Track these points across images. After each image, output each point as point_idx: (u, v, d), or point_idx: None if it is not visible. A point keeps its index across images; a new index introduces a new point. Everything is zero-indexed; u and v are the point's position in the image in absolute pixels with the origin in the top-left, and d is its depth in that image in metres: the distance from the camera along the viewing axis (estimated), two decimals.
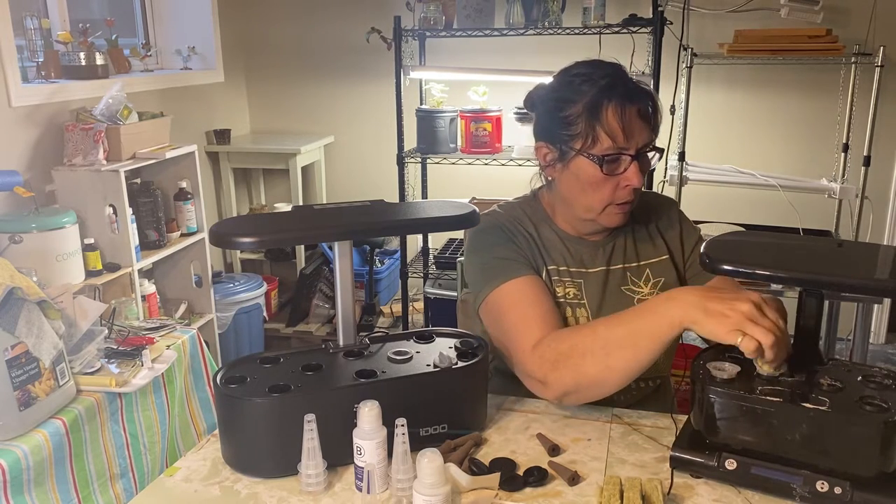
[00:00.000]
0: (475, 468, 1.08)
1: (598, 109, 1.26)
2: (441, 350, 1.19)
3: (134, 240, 2.64)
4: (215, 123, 3.75)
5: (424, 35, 3.37)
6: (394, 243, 3.97)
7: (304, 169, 3.81)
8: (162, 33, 3.62)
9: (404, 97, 3.21)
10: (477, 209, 1.23)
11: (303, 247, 3.73)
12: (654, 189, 3.18)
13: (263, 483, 1.08)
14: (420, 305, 3.53)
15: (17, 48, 2.56)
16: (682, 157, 3.08)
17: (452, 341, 1.24)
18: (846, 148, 3.22)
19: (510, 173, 3.12)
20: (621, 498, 0.98)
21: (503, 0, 3.07)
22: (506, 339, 1.28)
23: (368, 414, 1.01)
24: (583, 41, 3.14)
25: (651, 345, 1.10)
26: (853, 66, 3.16)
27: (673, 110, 3.11)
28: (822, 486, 0.96)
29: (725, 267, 1.07)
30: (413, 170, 3.49)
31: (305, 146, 3.67)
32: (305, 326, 3.61)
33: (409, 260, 3.44)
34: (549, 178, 1.39)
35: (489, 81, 3.31)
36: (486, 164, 3.19)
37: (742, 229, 2.54)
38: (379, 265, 3.81)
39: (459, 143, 3.23)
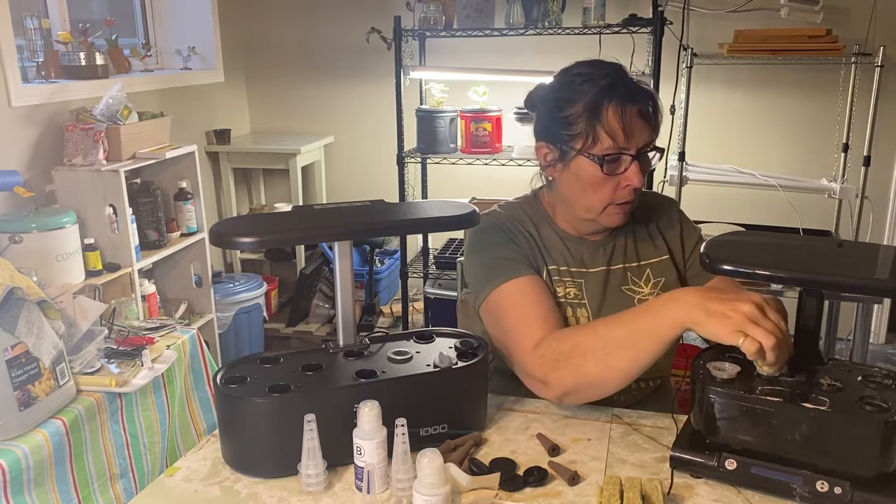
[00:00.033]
0: (475, 468, 1.08)
1: (598, 109, 1.26)
2: (441, 350, 1.19)
3: (134, 240, 2.64)
4: (215, 123, 3.75)
5: (424, 35, 3.37)
6: (394, 243, 3.97)
7: (304, 169, 3.81)
8: (162, 33, 3.62)
9: (404, 97, 3.21)
10: (477, 209, 1.24)
11: (303, 247, 3.73)
12: (655, 189, 3.18)
13: (263, 483, 1.08)
14: (420, 305, 3.53)
15: (17, 48, 2.56)
16: (682, 157, 3.08)
17: (452, 341, 1.24)
18: (846, 148, 3.22)
19: (510, 173, 3.12)
20: (621, 498, 0.98)
21: (503, 0, 3.07)
22: (506, 338, 1.28)
23: (368, 414, 1.01)
24: (583, 41, 3.14)
25: (652, 345, 1.10)
26: (853, 66, 3.16)
27: (673, 110, 3.11)
28: (822, 486, 0.96)
29: (725, 267, 1.07)
30: (413, 170, 3.49)
31: (305, 146, 3.67)
32: (305, 326, 3.61)
33: (409, 260, 3.44)
34: (550, 178, 1.39)
35: (489, 81, 3.31)
36: (486, 164, 3.19)
37: (742, 229, 2.54)
38: (379, 265, 3.81)
39: (459, 143, 3.23)
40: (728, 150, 3.50)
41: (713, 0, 3.33)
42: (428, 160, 3.48)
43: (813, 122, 3.44)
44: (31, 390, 1.69)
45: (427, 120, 3.20)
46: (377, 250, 3.80)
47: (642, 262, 1.41)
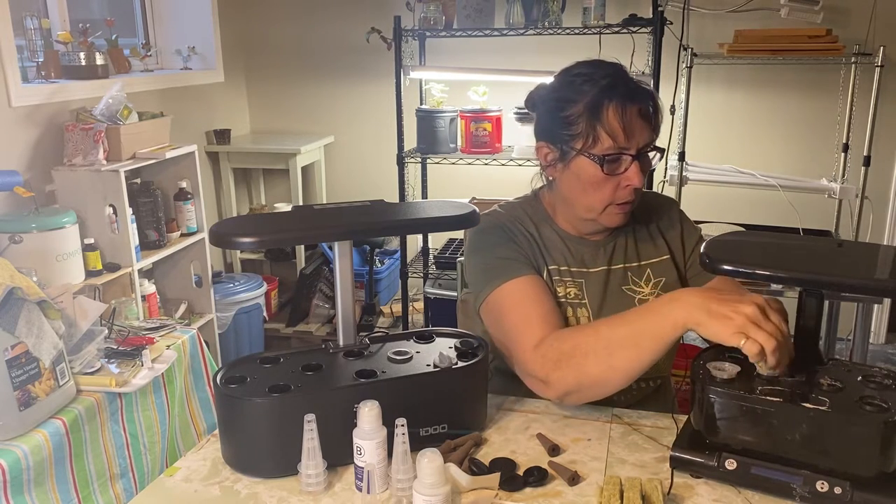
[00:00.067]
0: (475, 468, 1.08)
1: (598, 109, 1.26)
2: (441, 350, 1.19)
3: (134, 240, 2.64)
4: (215, 123, 3.75)
5: (424, 35, 3.37)
6: (394, 243, 3.97)
7: (304, 169, 3.81)
8: (162, 33, 3.62)
9: (404, 97, 3.21)
10: (477, 209, 1.24)
11: (303, 247, 3.73)
12: (655, 189, 3.18)
13: (263, 483, 1.08)
14: (420, 305, 3.53)
15: (17, 48, 2.56)
16: (682, 157, 3.08)
17: (452, 341, 1.24)
18: (846, 148, 3.22)
19: (510, 173, 3.12)
20: (621, 498, 0.98)
21: (503, 0, 3.07)
22: (507, 338, 1.28)
23: (368, 414, 1.01)
24: (583, 41, 3.13)
25: (654, 345, 1.10)
26: (853, 66, 3.16)
27: (673, 110, 3.11)
28: (822, 486, 0.96)
29: (725, 267, 1.07)
30: (413, 170, 3.49)
31: (305, 146, 3.67)
32: (305, 326, 3.61)
33: (409, 260, 3.44)
34: (550, 178, 1.39)
35: (489, 81, 3.31)
36: (486, 164, 3.19)
37: (742, 229, 2.54)
38: (379, 265, 3.81)
39: (459, 143, 3.23)
40: (728, 150, 3.50)
41: (713, 0, 3.33)
42: (428, 160, 3.48)
43: (813, 122, 3.44)
44: (31, 390, 1.69)
45: (427, 120, 3.20)
46: (377, 250, 3.80)
47: (643, 262, 1.41)
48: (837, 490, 0.96)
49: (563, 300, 1.36)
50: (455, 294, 2.73)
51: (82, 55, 2.85)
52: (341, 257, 1.19)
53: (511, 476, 1.06)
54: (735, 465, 1.01)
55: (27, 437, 1.67)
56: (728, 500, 1.02)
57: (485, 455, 1.14)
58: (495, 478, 1.05)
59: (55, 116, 2.67)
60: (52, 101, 2.66)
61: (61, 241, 2.38)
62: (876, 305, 3.18)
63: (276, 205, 3.98)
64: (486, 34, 3.12)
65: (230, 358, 3.05)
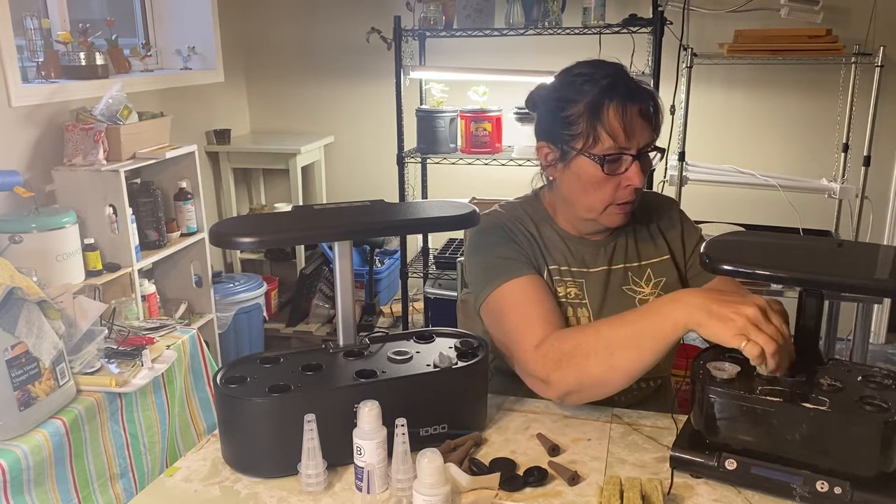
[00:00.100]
0: (475, 468, 1.08)
1: (599, 109, 1.26)
2: (441, 350, 1.19)
3: (134, 240, 2.64)
4: (215, 123, 3.75)
5: (424, 35, 3.37)
6: (394, 243, 3.97)
7: (304, 169, 3.81)
8: (162, 33, 3.62)
9: (404, 97, 3.21)
10: (477, 209, 1.23)
11: (303, 247, 3.73)
12: (655, 189, 3.18)
13: (263, 483, 1.08)
14: (420, 305, 3.53)
15: (17, 48, 2.56)
16: (682, 157, 3.08)
17: (452, 341, 1.24)
18: (846, 148, 3.22)
19: (510, 173, 3.12)
20: (621, 498, 0.98)
21: (503, 0, 3.07)
22: (507, 338, 1.28)
23: (368, 414, 1.01)
24: (583, 41, 3.13)
25: (655, 346, 1.10)
26: (853, 66, 3.16)
27: (673, 110, 3.11)
28: (822, 486, 0.96)
29: (725, 267, 1.07)
30: (413, 170, 3.49)
31: (305, 146, 3.67)
32: (305, 326, 3.61)
33: (409, 260, 3.44)
34: (551, 178, 1.39)
35: (489, 81, 3.31)
36: (486, 164, 3.19)
37: (742, 229, 2.54)
38: (379, 265, 3.81)
39: (459, 143, 3.23)
40: (728, 150, 3.50)
41: (713, 0, 3.33)
42: (428, 160, 3.48)
43: (813, 122, 3.44)
44: (31, 390, 1.69)
45: (427, 120, 3.20)
46: (377, 250, 3.80)
47: (643, 262, 1.41)
48: (837, 490, 0.96)
49: (563, 300, 1.36)
50: (455, 294, 2.73)
51: (82, 55, 2.85)
52: (341, 257, 1.19)
53: (511, 476, 1.06)
54: (735, 465, 1.01)
55: (27, 437, 1.67)
56: (728, 500, 1.02)
57: (485, 455, 1.14)
58: (495, 478, 1.05)
59: (55, 116, 2.67)
60: (52, 101, 2.66)
61: (61, 241, 2.38)
62: (876, 305, 3.18)
63: (276, 205, 3.98)
64: (486, 34, 3.12)
65: (230, 358, 3.05)
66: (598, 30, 2.98)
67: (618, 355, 1.13)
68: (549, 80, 1.37)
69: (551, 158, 1.35)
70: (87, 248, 2.49)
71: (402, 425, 0.97)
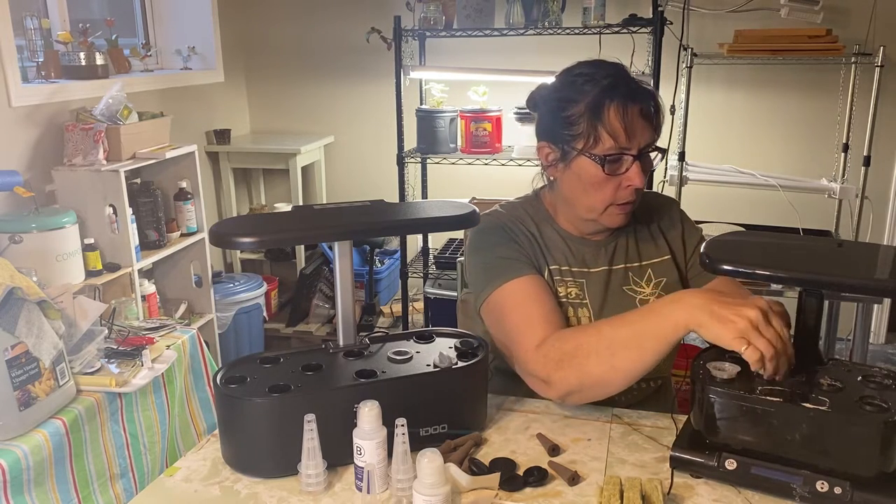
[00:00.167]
0: (475, 468, 1.08)
1: (600, 109, 1.26)
2: (441, 350, 1.19)
3: (134, 240, 2.64)
4: (215, 123, 3.75)
5: (424, 35, 3.37)
6: (394, 243, 3.97)
7: (304, 169, 3.81)
8: (162, 33, 3.62)
9: (404, 97, 3.21)
10: (477, 209, 1.23)
11: (303, 247, 3.73)
12: (655, 189, 3.18)
13: (263, 483, 1.08)
14: (420, 305, 3.53)
15: (17, 48, 2.56)
16: (682, 157, 3.08)
17: (452, 341, 1.24)
18: (846, 148, 3.22)
19: (510, 173, 3.13)
20: (621, 498, 0.98)
21: (503, 0, 3.07)
22: (508, 338, 1.28)
23: (368, 414, 1.01)
24: (583, 41, 3.13)
25: (656, 346, 1.10)
26: (853, 66, 3.16)
27: (673, 110, 3.11)
28: (822, 486, 0.96)
29: (725, 267, 1.08)
30: (413, 170, 3.49)
31: (305, 146, 3.67)
32: (305, 326, 3.61)
33: (409, 260, 3.44)
34: (551, 178, 1.39)
35: (489, 81, 3.31)
36: (486, 164, 3.19)
37: (742, 229, 2.54)
38: (379, 265, 3.81)
39: (459, 143, 3.23)
40: (728, 150, 3.50)
41: (713, 0, 3.33)
42: (428, 160, 3.48)
43: (813, 122, 3.44)
44: (31, 390, 1.69)
45: (427, 120, 3.20)
46: (377, 250, 3.80)
47: (644, 262, 1.41)
48: (837, 490, 0.96)
49: (564, 300, 1.36)
50: (455, 294, 2.73)
51: (82, 55, 2.85)
52: (341, 257, 1.19)
53: (511, 476, 1.06)
54: (735, 465, 1.01)
55: (27, 437, 1.67)
56: (728, 500, 1.02)
57: (485, 455, 1.14)
58: (495, 478, 1.05)
59: (55, 116, 2.67)
60: (52, 101, 2.66)
61: (61, 241, 2.38)
62: (876, 305, 3.18)
63: (276, 205, 3.98)
64: (486, 34, 3.12)
65: (230, 358, 3.05)
66: (598, 30, 2.98)
67: (619, 355, 1.13)
68: (550, 80, 1.37)
69: (552, 158, 1.35)
70: (87, 248, 2.50)
71: (402, 425, 0.97)
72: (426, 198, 3.66)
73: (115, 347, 2.07)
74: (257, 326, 3.48)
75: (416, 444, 1.00)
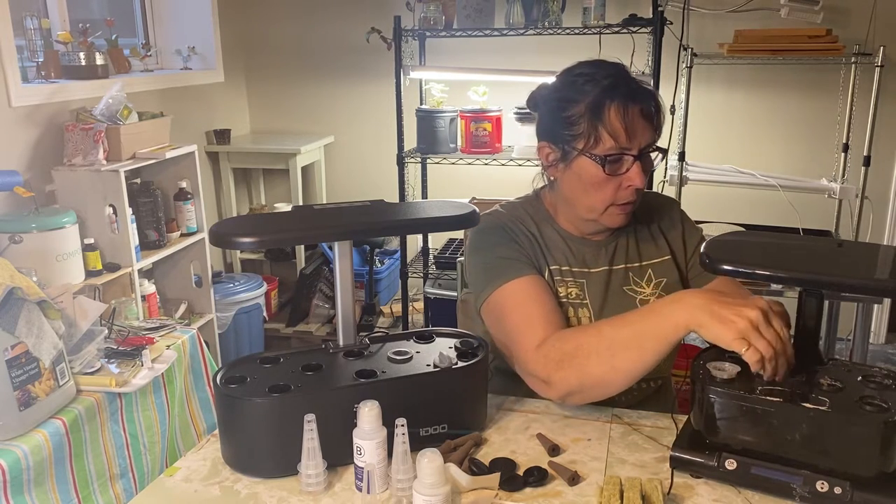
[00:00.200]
0: (475, 468, 1.08)
1: (600, 109, 1.26)
2: (441, 350, 1.19)
3: (134, 240, 2.64)
4: (215, 123, 3.75)
5: (424, 35, 3.37)
6: (394, 243, 3.97)
7: (304, 169, 3.81)
8: (162, 33, 3.62)
9: (404, 97, 3.21)
10: (477, 209, 1.23)
11: (303, 247, 3.73)
12: (655, 189, 3.18)
13: (263, 483, 1.08)
14: (420, 305, 3.53)
15: (17, 48, 2.56)
16: (682, 157, 3.08)
17: (452, 341, 1.24)
18: (846, 148, 3.22)
19: (510, 173, 3.13)
20: (621, 498, 0.98)
21: (503, 0, 3.07)
22: (508, 339, 1.28)
23: (368, 414, 1.01)
24: (583, 41, 3.13)
25: (656, 346, 1.10)
26: (853, 66, 3.16)
27: (673, 110, 3.11)
28: (822, 486, 0.96)
29: (725, 267, 1.07)
30: (413, 170, 3.49)
31: (305, 146, 3.67)
32: (305, 326, 3.61)
33: (409, 260, 3.44)
34: (552, 178, 1.39)
35: (489, 81, 3.31)
36: (486, 164, 3.19)
37: (742, 229, 2.54)
38: (379, 265, 3.81)
39: (459, 143, 3.23)
40: (728, 150, 3.50)
41: (713, 0, 3.33)
42: (428, 160, 3.48)
43: (813, 122, 3.44)
44: (31, 390, 1.69)
45: (427, 120, 3.20)
46: (377, 250, 3.80)
47: (644, 263, 1.41)
48: (837, 490, 0.96)
49: (564, 300, 1.35)
50: (455, 294, 2.73)
51: (82, 55, 2.85)
52: (341, 257, 1.19)
53: (511, 476, 1.06)
54: (735, 465, 1.01)
55: (27, 437, 1.67)
56: (728, 500, 1.02)
57: (485, 455, 1.14)
58: (495, 478, 1.05)
59: (55, 116, 2.67)
60: (52, 101, 2.66)
61: (61, 241, 2.38)
62: (876, 305, 3.18)
63: (276, 205, 3.98)
64: (486, 34, 3.12)
65: (230, 358, 3.05)
66: (598, 30, 2.98)
67: (619, 356, 1.13)
68: (550, 80, 1.37)
69: (552, 158, 1.34)
70: (87, 248, 2.49)
71: (402, 425, 0.97)
72: (426, 198, 3.66)
73: (115, 347, 2.07)
74: (257, 326, 3.48)
75: (416, 444, 1.00)
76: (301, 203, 3.73)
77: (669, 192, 2.92)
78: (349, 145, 4.02)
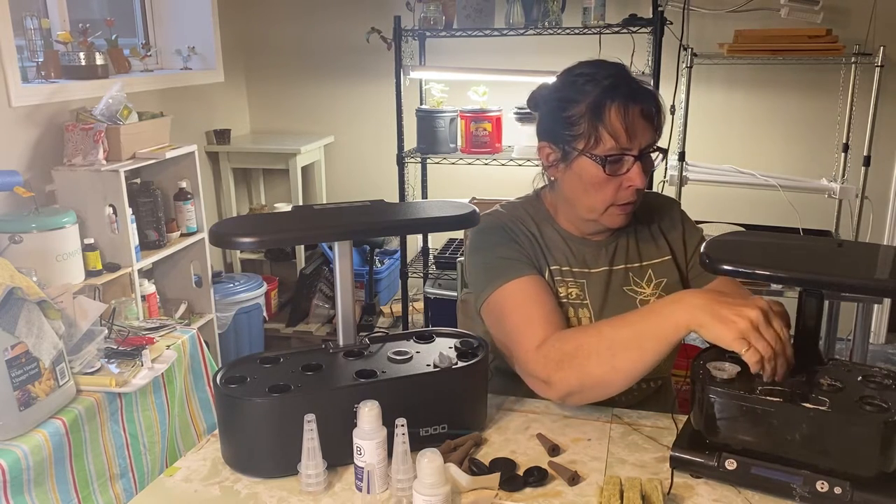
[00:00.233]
0: (475, 468, 1.08)
1: (601, 109, 1.26)
2: (441, 350, 1.19)
3: (134, 240, 2.64)
4: (215, 123, 3.75)
5: (424, 35, 3.37)
6: (394, 243, 3.97)
7: (304, 169, 3.81)
8: (162, 33, 3.62)
9: (404, 97, 3.21)
10: (477, 209, 1.23)
11: (303, 247, 3.73)
12: (655, 189, 3.17)
13: (263, 483, 1.08)
14: (420, 305, 3.53)
15: (17, 48, 2.56)
16: (682, 157, 3.08)
17: (452, 341, 1.24)
18: (846, 148, 3.22)
19: (510, 173, 3.13)
20: (621, 498, 0.98)
21: (503, 0, 3.07)
22: (508, 339, 1.28)
23: (368, 414, 1.01)
24: (583, 41, 3.14)
25: (656, 346, 1.10)
26: (853, 66, 3.16)
27: (673, 110, 3.11)
28: (822, 486, 0.96)
29: (725, 267, 1.07)
30: (413, 170, 3.49)
31: (305, 146, 3.67)
32: (305, 326, 3.61)
33: (409, 260, 3.44)
34: (552, 178, 1.39)
35: (489, 81, 3.31)
36: (486, 164, 3.19)
37: (742, 229, 2.54)
38: (379, 265, 3.81)
39: (459, 143, 3.23)
40: (728, 150, 3.50)
41: (713, 0, 3.33)
42: (428, 160, 3.48)
43: (813, 122, 3.44)
44: (31, 390, 1.69)
45: (427, 120, 3.20)
46: (377, 250, 3.80)
47: (644, 263, 1.41)
48: (837, 490, 0.96)
49: (564, 300, 1.35)
50: (455, 294, 2.73)
51: (82, 55, 2.85)
52: (341, 257, 1.19)
53: (511, 476, 1.06)
54: (735, 465, 1.01)
55: (27, 437, 1.67)
56: (728, 500, 1.02)
57: (485, 455, 1.14)
58: (495, 478, 1.05)
59: (55, 116, 2.67)
60: (52, 101, 2.66)
61: (61, 241, 2.38)
62: (876, 305, 3.18)
63: (276, 205, 3.98)
64: (486, 34, 3.12)
65: (230, 358, 3.05)
66: (598, 30, 2.98)
67: (619, 356, 1.13)
68: (550, 80, 1.37)
69: (553, 159, 1.34)
70: (87, 248, 2.49)
71: (402, 425, 0.97)
72: (426, 198, 3.66)
73: (115, 347, 2.07)
74: (257, 326, 3.48)
75: (416, 444, 1.00)
76: (301, 203, 3.73)
77: (669, 192, 2.92)
78: (349, 145, 4.02)
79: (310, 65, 3.96)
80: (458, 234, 3.31)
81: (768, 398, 0.99)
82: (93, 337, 2.02)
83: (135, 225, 2.67)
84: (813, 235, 2.73)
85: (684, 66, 3.04)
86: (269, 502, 1.04)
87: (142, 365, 2.02)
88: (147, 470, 2.03)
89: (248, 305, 3.37)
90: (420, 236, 3.66)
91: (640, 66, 3.00)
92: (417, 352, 1.19)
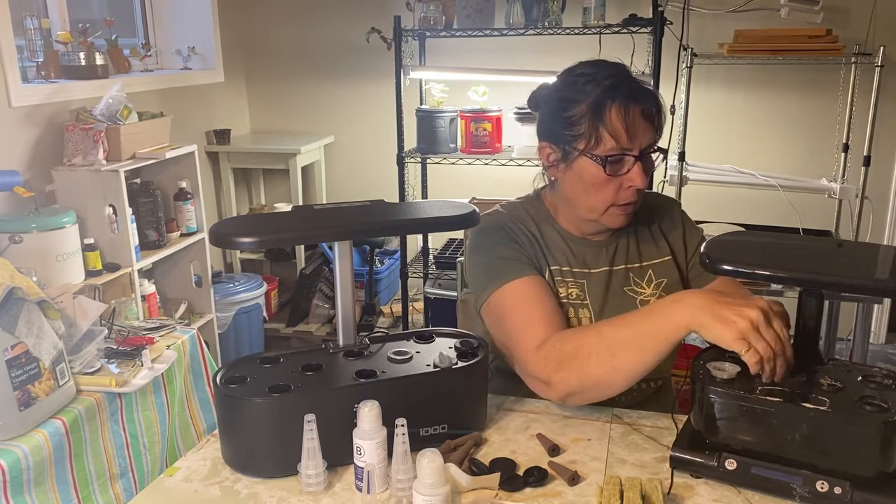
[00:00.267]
0: (475, 468, 1.08)
1: (601, 110, 1.25)
2: (441, 350, 1.19)
3: (134, 240, 2.64)
4: (215, 123, 3.75)
5: (424, 35, 3.37)
6: (394, 243, 3.97)
7: (304, 169, 3.81)
8: (162, 33, 3.62)
9: (404, 97, 3.21)
10: (477, 209, 1.23)
11: (303, 247, 3.73)
12: (655, 189, 3.17)
13: (263, 483, 1.08)
14: (420, 305, 3.53)
15: (17, 48, 2.56)
16: (682, 157, 3.08)
17: (452, 341, 1.24)
18: (846, 148, 3.22)
19: (510, 173, 3.13)
20: (621, 498, 0.98)
21: (503, 0, 3.07)
22: (509, 339, 1.28)
23: (368, 414, 1.01)
24: (583, 41, 3.14)
25: (657, 347, 1.10)
26: (853, 66, 3.16)
27: (673, 110, 3.11)
28: (822, 486, 0.96)
29: (725, 267, 1.07)
30: (413, 170, 3.49)
31: (305, 146, 3.67)
32: (305, 326, 3.61)
33: (409, 260, 3.44)
34: (552, 179, 1.39)
35: (489, 81, 3.31)
36: (486, 164, 3.19)
37: (742, 229, 2.54)
38: (379, 265, 3.81)
39: (459, 143, 3.23)
40: (728, 150, 3.50)
41: (713, 0, 3.33)
42: (428, 160, 3.48)
43: (813, 122, 3.44)
44: (31, 390, 1.69)
45: (427, 120, 3.20)
46: (377, 250, 3.80)
47: (644, 263, 1.41)
48: (837, 490, 0.96)
49: (564, 301, 1.35)
50: (455, 294, 2.73)
51: (82, 55, 2.85)
52: (341, 257, 1.19)
53: (511, 476, 1.06)
54: (735, 465, 1.01)
55: (27, 437, 1.67)
56: (728, 500, 1.02)
57: (485, 455, 1.14)
58: (495, 478, 1.05)
59: (55, 116, 2.67)
60: (52, 101, 2.66)
61: (61, 241, 2.38)
62: (876, 305, 3.18)
63: (276, 205, 3.98)
64: (486, 34, 3.12)
65: (230, 358, 3.05)
66: (598, 30, 2.98)
67: (620, 356, 1.13)
68: (550, 80, 1.37)
69: (553, 159, 1.34)
70: (86, 248, 2.49)
71: (402, 425, 0.97)
72: (426, 198, 3.66)
73: (115, 347, 2.07)
74: (257, 326, 3.48)
75: (416, 444, 1.00)
76: (301, 203, 3.73)
77: (669, 192, 2.92)
78: (349, 145, 4.02)
79: (310, 65, 3.96)
80: (458, 235, 3.31)
81: (768, 398, 0.99)
82: (93, 337, 2.02)
83: (135, 225, 2.67)
84: (813, 235, 2.73)
85: (684, 66, 3.04)
86: (269, 502, 1.04)
87: (142, 365, 2.02)
88: (147, 470, 2.03)
89: (248, 305, 3.37)
90: (420, 236, 3.66)
91: (640, 66, 3.00)
92: (417, 352, 1.19)
